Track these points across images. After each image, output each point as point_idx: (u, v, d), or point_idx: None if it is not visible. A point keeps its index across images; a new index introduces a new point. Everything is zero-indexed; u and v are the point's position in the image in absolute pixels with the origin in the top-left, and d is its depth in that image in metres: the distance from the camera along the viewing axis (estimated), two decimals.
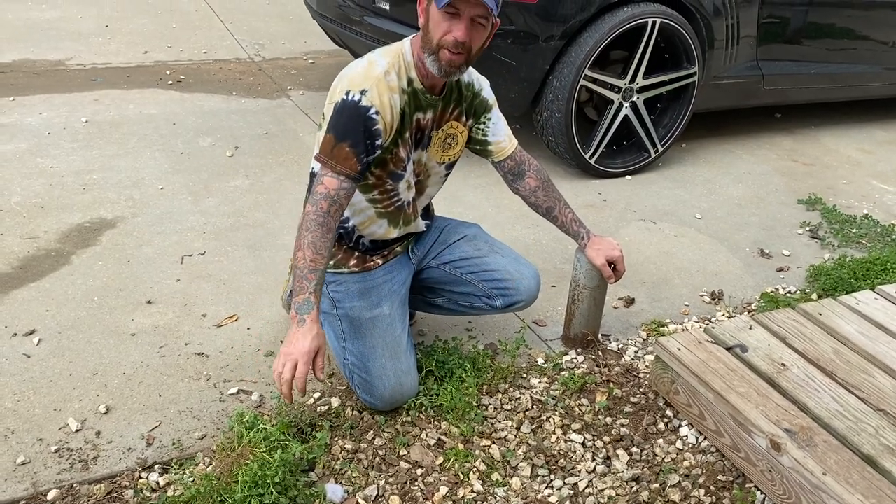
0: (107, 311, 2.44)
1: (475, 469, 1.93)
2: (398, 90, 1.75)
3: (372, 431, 2.03)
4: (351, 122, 1.68)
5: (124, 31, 5.28)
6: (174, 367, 2.21)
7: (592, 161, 3.52)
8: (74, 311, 2.42)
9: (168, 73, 4.61)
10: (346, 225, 1.99)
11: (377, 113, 1.70)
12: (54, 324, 2.36)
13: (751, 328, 2.25)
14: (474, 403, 2.10)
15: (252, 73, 4.77)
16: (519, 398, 2.18)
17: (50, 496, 1.80)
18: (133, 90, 4.29)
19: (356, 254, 2.05)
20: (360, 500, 1.84)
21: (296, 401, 1.96)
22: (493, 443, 2.03)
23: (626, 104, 3.45)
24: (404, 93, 1.77)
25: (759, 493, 1.93)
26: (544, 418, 2.12)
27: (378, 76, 1.70)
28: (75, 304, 2.46)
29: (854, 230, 3.34)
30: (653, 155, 3.67)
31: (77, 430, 1.98)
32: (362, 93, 1.69)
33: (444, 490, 1.88)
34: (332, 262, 2.00)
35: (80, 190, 3.16)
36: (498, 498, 1.88)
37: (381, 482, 1.88)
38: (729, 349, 2.14)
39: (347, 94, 1.70)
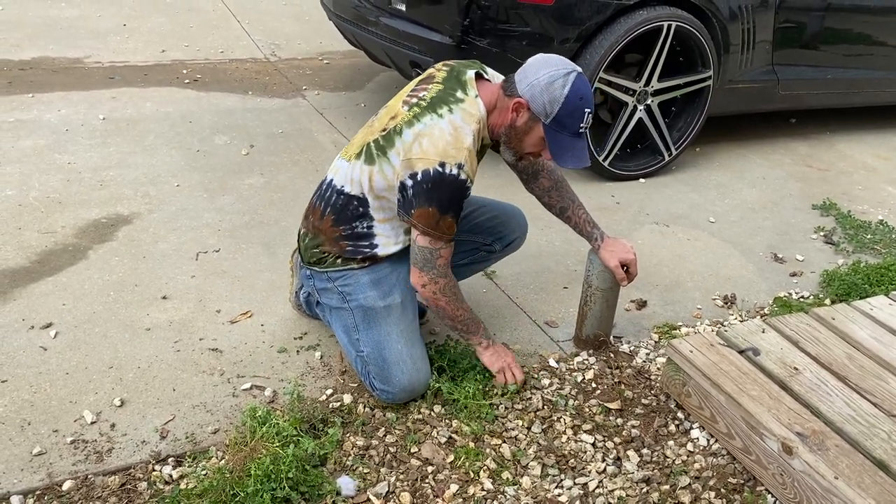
0: (122, 305, 2.47)
1: (486, 467, 1.94)
2: (477, 153, 1.86)
3: (383, 428, 2.05)
4: (455, 197, 1.78)
5: (142, 29, 5.33)
6: (188, 361, 2.24)
7: (606, 163, 3.52)
8: (91, 305, 2.45)
9: (185, 71, 4.65)
10: (374, 251, 2.01)
11: (471, 182, 1.82)
12: (71, 317, 2.38)
13: (763, 332, 2.24)
14: (486, 402, 2.10)
15: (268, 73, 4.80)
16: (530, 398, 2.19)
17: (65, 486, 1.82)
18: (150, 88, 4.33)
19: (367, 260, 2.08)
20: (371, 497, 1.85)
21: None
22: (504, 442, 2.04)
23: (641, 107, 3.45)
24: (479, 153, 1.90)
25: (769, 496, 1.93)
26: (555, 418, 2.13)
27: (469, 147, 1.78)
28: (91, 298, 2.49)
29: (869, 236, 3.33)
30: (667, 158, 3.67)
31: (92, 423, 2.00)
32: (459, 167, 1.76)
33: (454, 488, 1.89)
34: (339, 261, 2.04)
35: (98, 186, 3.20)
36: (508, 497, 1.88)
37: (392, 479, 1.90)
38: (741, 352, 2.14)
39: (443, 166, 1.75)
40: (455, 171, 1.75)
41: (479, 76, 1.88)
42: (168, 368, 2.21)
